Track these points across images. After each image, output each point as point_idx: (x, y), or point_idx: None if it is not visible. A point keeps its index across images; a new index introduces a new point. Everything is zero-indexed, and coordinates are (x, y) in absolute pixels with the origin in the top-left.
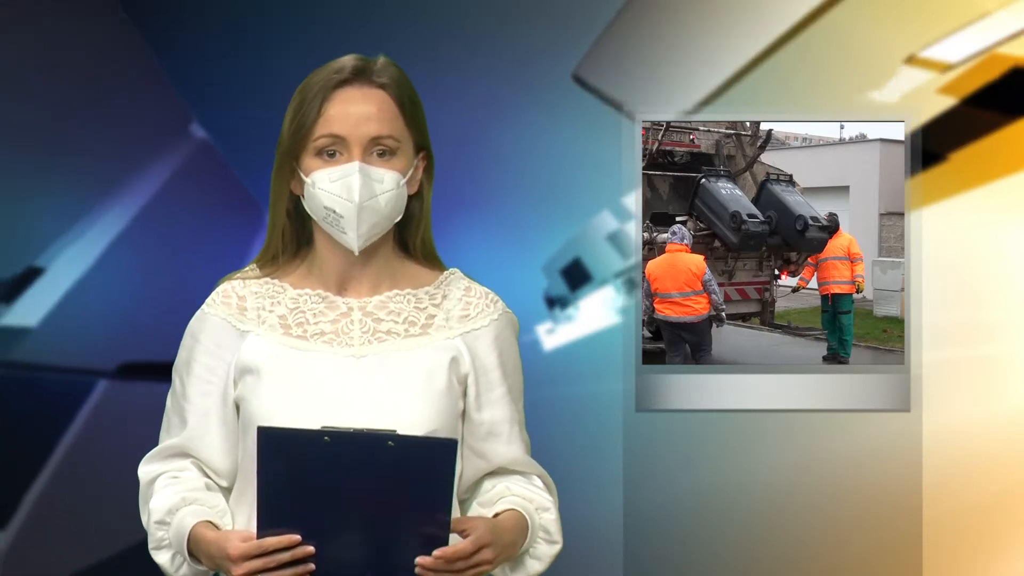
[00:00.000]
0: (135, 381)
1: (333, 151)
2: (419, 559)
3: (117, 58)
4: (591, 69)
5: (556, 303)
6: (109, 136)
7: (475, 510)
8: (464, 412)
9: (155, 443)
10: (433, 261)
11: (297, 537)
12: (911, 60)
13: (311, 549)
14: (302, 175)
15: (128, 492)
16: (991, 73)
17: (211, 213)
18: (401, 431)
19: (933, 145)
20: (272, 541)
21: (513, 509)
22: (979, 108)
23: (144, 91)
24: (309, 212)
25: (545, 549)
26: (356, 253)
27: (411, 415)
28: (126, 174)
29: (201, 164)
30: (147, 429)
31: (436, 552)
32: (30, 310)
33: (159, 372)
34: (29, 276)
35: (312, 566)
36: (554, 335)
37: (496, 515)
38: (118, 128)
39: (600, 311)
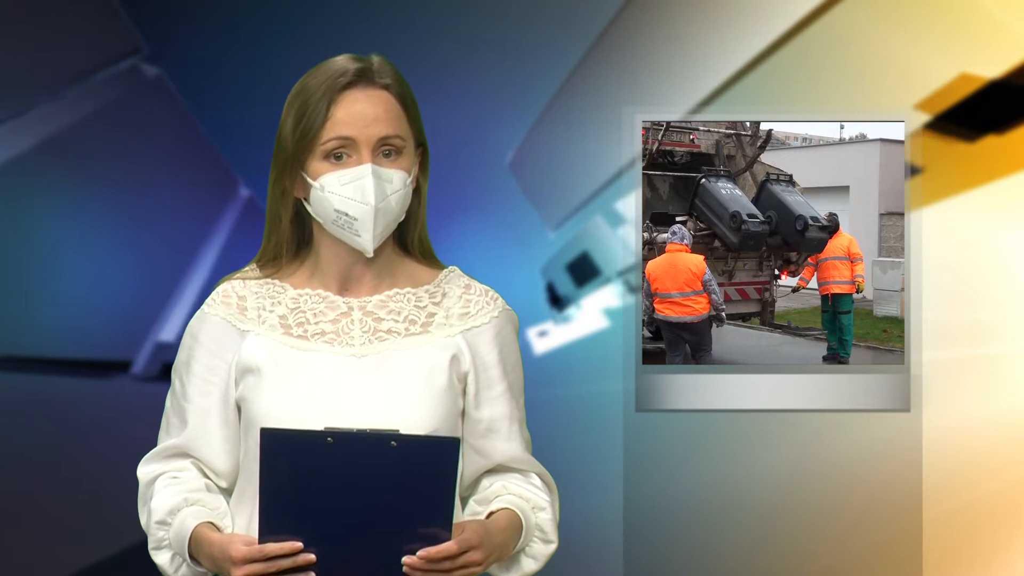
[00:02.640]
0: (136, 381)
1: (340, 154)
2: (405, 558)
3: (117, 58)
4: (522, 163)
5: (556, 303)
6: (108, 136)
7: (472, 508)
8: (464, 410)
9: (155, 442)
10: (431, 259)
11: (299, 545)
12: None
13: (312, 557)
14: (308, 179)
15: (128, 492)
16: (962, 92)
17: (209, 211)
18: (403, 430)
19: (923, 153)
20: (274, 547)
21: (508, 508)
22: (954, 124)
23: (143, 91)
24: (314, 215)
25: (540, 548)
26: (370, 254)
27: (412, 414)
28: (126, 174)
29: (201, 165)
30: (148, 428)
31: (420, 552)
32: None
33: (163, 371)
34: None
35: (312, 574)
36: (554, 335)
37: (490, 514)
38: (117, 127)
39: (600, 311)
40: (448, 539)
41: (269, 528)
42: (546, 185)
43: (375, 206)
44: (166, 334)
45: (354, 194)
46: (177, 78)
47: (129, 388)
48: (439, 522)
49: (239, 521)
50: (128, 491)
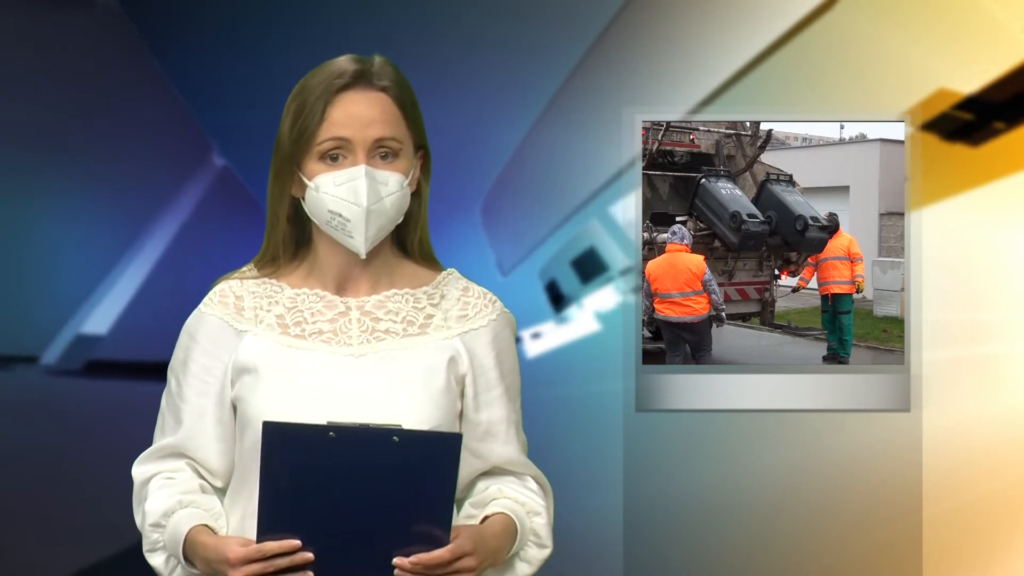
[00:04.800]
0: (135, 381)
1: (336, 155)
2: (396, 560)
3: (117, 58)
4: (491, 210)
5: (556, 303)
6: (108, 137)
7: (467, 511)
8: (462, 412)
9: (153, 442)
10: (430, 261)
11: (297, 542)
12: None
13: (310, 556)
14: (304, 179)
15: (128, 492)
16: (942, 106)
17: (211, 212)
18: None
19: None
20: (272, 546)
21: (503, 513)
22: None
23: (145, 92)
24: (310, 215)
25: (535, 553)
26: (363, 256)
27: (410, 414)
28: (126, 175)
29: (201, 166)
30: (147, 429)
31: (413, 558)
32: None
33: (160, 372)
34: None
35: (311, 574)
36: (554, 335)
37: (485, 518)
38: (118, 129)
39: (600, 311)
40: (446, 539)
41: (268, 524)
42: (546, 185)
43: (367, 208)
44: (90, 326)
45: (347, 195)
46: (220, 140)
47: (127, 388)
48: (439, 519)
49: (233, 520)
50: (129, 491)
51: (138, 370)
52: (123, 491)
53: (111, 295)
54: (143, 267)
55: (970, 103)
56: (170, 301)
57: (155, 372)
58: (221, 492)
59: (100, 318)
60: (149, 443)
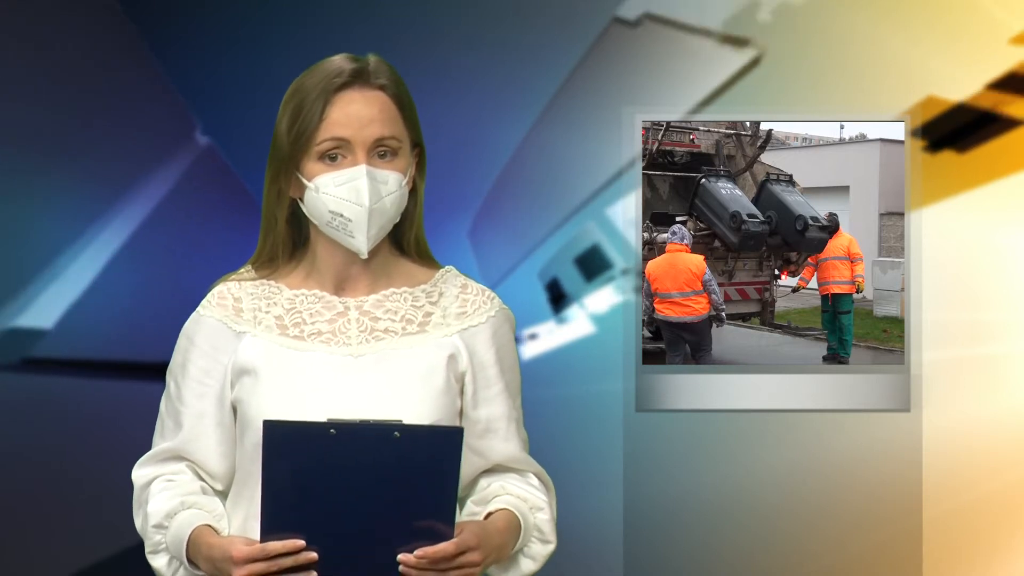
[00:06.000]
0: (135, 381)
1: (335, 155)
2: (401, 556)
3: (117, 58)
4: (483, 224)
5: (556, 303)
6: (109, 136)
7: (470, 508)
8: (462, 410)
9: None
10: (427, 258)
11: (301, 543)
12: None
13: (314, 556)
14: (303, 180)
15: (128, 492)
16: (942, 106)
17: (211, 212)
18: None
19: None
20: (276, 546)
21: (506, 509)
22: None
23: (144, 91)
24: (309, 216)
25: (539, 549)
26: (364, 256)
27: (410, 413)
28: (127, 174)
29: (202, 164)
30: (147, 429)
31: (418, 552)
32: (41, 310)
33: (160, 372)
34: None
35: (315, 573)
36: (554, 335)
37: (489, 515)
38: (118, 128)
39: (600, 311)
40: (450, 533)
41: (271, 523)
42: (546, 185)
43: (369, 207)
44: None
45: (348, 195)
46: (219, 139)
47: (127, 388)
48: (442, 514)
49: (235, 523)
50: (129, 491)
51: (92, 367)
52: (78, 494)
53: (56, 286)
54: (100, 257)
55: (968, 105)
56: (132, 295)
57: (114, 370)
58: (222, 495)
59: (44, 311)
60: (111, 444)
